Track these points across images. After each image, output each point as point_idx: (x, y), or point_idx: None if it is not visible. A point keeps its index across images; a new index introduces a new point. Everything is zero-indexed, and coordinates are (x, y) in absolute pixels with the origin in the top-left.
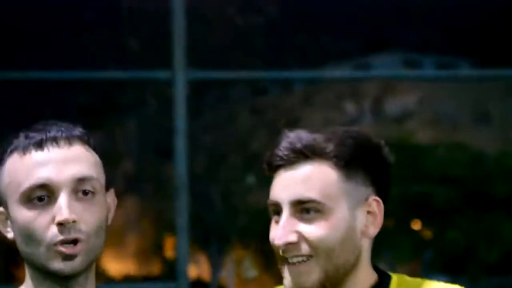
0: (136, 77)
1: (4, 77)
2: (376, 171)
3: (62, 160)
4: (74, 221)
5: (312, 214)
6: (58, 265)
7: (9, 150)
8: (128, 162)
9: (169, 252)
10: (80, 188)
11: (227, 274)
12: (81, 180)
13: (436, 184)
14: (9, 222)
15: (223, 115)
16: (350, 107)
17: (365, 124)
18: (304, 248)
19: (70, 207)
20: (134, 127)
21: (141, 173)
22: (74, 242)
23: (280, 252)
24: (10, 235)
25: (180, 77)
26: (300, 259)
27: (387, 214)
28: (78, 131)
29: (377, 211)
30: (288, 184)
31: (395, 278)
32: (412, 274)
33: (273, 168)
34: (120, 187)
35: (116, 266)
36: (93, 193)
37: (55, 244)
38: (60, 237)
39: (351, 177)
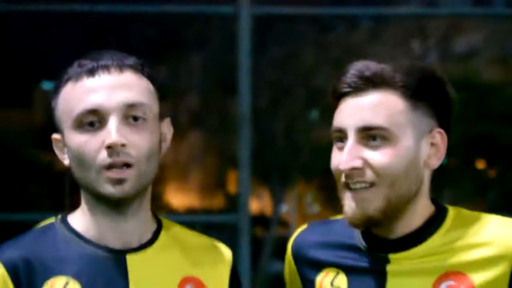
0: (201, 11)
1: (70, 10)
2: (440, 104)
3: (112, 86)
4: (123, 145)
5: (378, 141)
6: (108, 189)
7: (64, 79)
8: (192, 97)
9: (231, 186)
10: (130, 114)
11: (289, 209)
12: (131, 105)
13: (502, 123)
14: (65, 149)
15: (288, 51)
16: (416, 44)
17: (431, 62)
18: (369, 175)
19: (119, 131)
20: (198, 62)
21: (204, 108)
22: (124, 166)
23: (343, 178)
24: (66, 162)
25: (245, 12)
26: (363, 185)
27: (450, 153)
28: (131, 60)
29: (440, 143)
30: (355, 111)
31: (451, 211)
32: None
33: (340, 95)
34: (184, 122)
35: (179, 199)
36: (144, 119)
37: (105, 168)
38: (109, 160)
39: (417, 107)
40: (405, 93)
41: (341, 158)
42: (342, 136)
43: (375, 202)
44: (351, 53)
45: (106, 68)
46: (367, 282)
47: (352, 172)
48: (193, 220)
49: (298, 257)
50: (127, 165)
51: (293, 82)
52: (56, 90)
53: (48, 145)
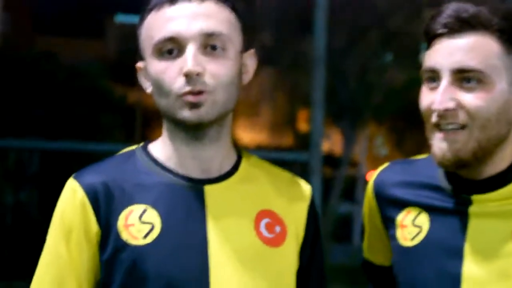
0: None
1: None
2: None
3: (192, 15)
4: (199, 73)
5: (472, 83)
6: (185, 113)
7: (148, 8)
8: (266, 33)
9: (302, 125)
10: (209, 43)
11: (359, 150)
12: (209, 35)
13: None
14: (148, 77)
15: None
16: None
17: None
18: (461, 117)
19: (196, 59)
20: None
21: (278, 46)
22: (200, 92)
23: (434, 118)
24: (149, 90)
25: None
26: (455, 126)
27: None
28: None
29: None
30: (450, 52)
31: None
32: None
33: (433, 36)
34: (257, 58)
35: (249, 135)
36: (222, 48)
37: (182, 95)
38: (186, 88)
39: None
40: (501, 37)
41: (434, 98)
42: (434, 76)
43: (465, 144)
44: None
45: None
46: (449, 222)
47: (446, 113)
48: (264, 157)
49: (380, 195)
50: (203, 92)
51: (369, 23)
52: (141, 20)
53: (121, 77)
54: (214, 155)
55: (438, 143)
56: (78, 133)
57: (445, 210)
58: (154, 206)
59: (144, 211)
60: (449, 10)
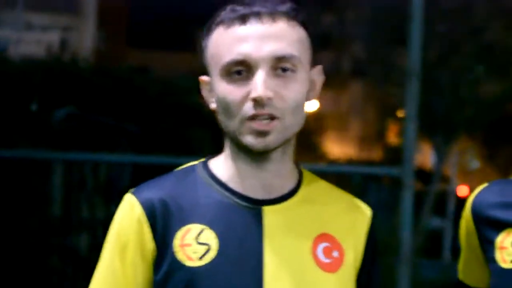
0: None
1: None
2: None
3: (262, 37)
4: (269, 98)
5: None
6: (250, 140)
7: (216, 22)
8: (359, 45)
9: (391, 138)
10: (279, 66)
11: (450, 164)
12: (280, 58)
13: None
14: (213, 93)
15: (460, 2)
16: None
17: None
18: None
19: (266, 84)
20: (368, 10)
21: (371, 58)
22: (269, 118)
23: None
24: (213, 105)
25: None
26: None
27: None
28: (285, 6)
29: None
30: None
31: None
32: None
33: None
34: (347, 70)
35: (339, 148)
36: (292, 70)
37: (248, 119)
38: (253, 112)
39: None
40: None
41: None
42: None
43: None
44: None
45: (258, 15)
46: None
47: None
48: (356, 171)
49: (478, 216)
50: (272, 118)
51: (463, 36)
52: (207, 32)
53: None
54: (275, 177)
55: None
56: (168, 148)
57: None
58: (212, 226)
59: (201, 231)
60: None
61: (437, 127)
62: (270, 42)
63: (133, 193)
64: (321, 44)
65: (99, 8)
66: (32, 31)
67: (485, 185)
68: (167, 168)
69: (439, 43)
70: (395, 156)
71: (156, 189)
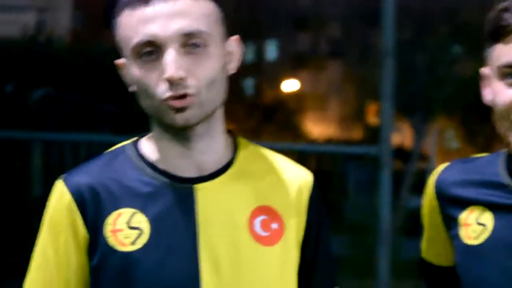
0: None
1: None
2: None
3: (168, 15)
4: (181, 78)
5: None
6: (171, 117)
7: (122, 3)
8: (334, 26)
9: (370, 118)
10: (189, 42)
11: (429, 143)
12: (188, 34)
13: None
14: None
15: None
16: None
17: None
18: None
19: (177, 63)
20: None
21: (346, 39)
22: (184, 96)
23: None
24: (132, 88)
25: None
26: None
27: None
28: None
29: None
30: None
31: None
32: None
33: (508, 30)
34: (324, 51)
35: (318, 129)
36: (204, 45)
37: (165, 99)
38: (169, 93)
39: None
40: None
41: None
42: None
43: None
44: None
45: None
46: None
47: None
48: (334, 151)
49: (441, 194)
50: (186, 95)
51: (438, 15)
52: (115, 16)
53: None
54: (204, 152)
55: None
56: (147, 127)
57: (509, 207)
58: (143, 210)
59: (132, 215)
60: None
61: (414, 106)
62: (176, 19)
63: (63, 180)
64: (298, 26)
65: None
66: (8, 12)
67: (446, 164)
68: None
69: (414, 23)
70: (374, 136)
71: (86, 174)
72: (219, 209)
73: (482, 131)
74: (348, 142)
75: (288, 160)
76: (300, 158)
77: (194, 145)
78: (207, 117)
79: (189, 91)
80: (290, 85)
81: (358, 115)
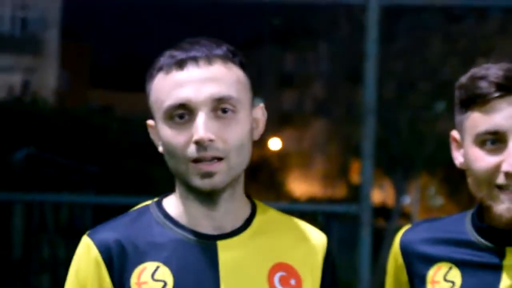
0: (330, 1)
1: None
2: None
3: (201, 80)
4: (211, 140)
5: None
6: (197, 182)
7: (156, 68)
8: (318, 85)
9: (354, 176)
10: (219, 107)
11: (411, 201)
12: (219, 99)
13: None
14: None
15: (415, 42)
16: None
17: None
18: None
19: (207, 126)
20: (325, 51)
21: (330, 97)
22: (213, 159)
23: (501, 179)
24: (160, 148)
25: (374, 2)
26: None
27: None
28: (221, 49)
29: None
30: None
31: None
32: None
33: (487, 99)
34: (309, 109)
35: (301, 187)
36: (233, 111)
37: (193, 161)
38: (196, 155)
39: None
40: None
41: (502, 160)
42: (497, 138)
43: None
44: (479, 45)
45: (195, 60)
46: (481, 276)
47: None
48: (315, 209)
49: (407, 252)
50: (217, 159)
51: (419, 73)
52: (149, 78)
53: None
54: (227, 213)
55: (507, 204)
56: (130, 187)
57: (477, 264)
58: (167, 263)
59: (157, 269)
60: (499, 70)
61: (396, 164)
62: (208, 85)
63: (89, 235)
64: (283, 84)
65: (62, 48)
66: None
67: (410, 225)
68: (129, 208)
69: (396, 81)
70: (357, 194)
71: (112, 231)
72: (240, 265)
73: (465, 188)
74: (331, 200)
75: (303, 222)
76: None
77: (218, 208)
78: (233, 181)
79: (218, 154)
80: (274, 144)
81: (341, 173)
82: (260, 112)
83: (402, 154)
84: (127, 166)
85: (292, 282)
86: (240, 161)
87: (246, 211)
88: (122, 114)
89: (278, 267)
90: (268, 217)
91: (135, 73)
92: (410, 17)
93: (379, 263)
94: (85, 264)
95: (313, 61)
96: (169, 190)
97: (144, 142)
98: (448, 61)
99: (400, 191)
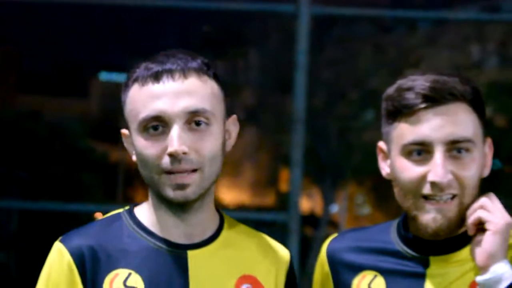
0: (261, 9)
1: (128, 4)
2: (484, 114)
3: (176, 93)
4: (184, 153)
5: (463, 153)
6: (170, 193)
7: (131, 79)
8: (248, 93)
9: (283, 185)
10: (193, 120)
11: (339, 209)
12: (193, 112)
13: None
14: (133, 146)
15: (345, 52)
16: (474, 49)
17: (489, 68)
18: (454, 187)
19: (181, 138)
20: (256, 59)
21: (260, 105)
22: (186, 171)
23: (426, 190)
24: (134, 158)
25: (304, 12)
26: (449, 197)
27: (506, 161)
28: (196, 62)
29: (489, 151)
30: (441, 125)
31: None
32: None
33: (414, 110)
34: (239, 118)
35: (230, 195)
36: (206, 124)
37: (166, 173)
38: (170, 167)
39: (479, 119)
40: (473, 106)
41: (429, 170)
42: (423, 149)
43: (456, 213)
44: (408, 55)
45: (171, 73)
46: (405, 285)
47: (444, 185)
48: (244, 217)
49: (334, 261)
50: (190, 170)
51: (348, 83)
52: (125, 89)
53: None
54: (198, 223)
55: (433, 214)
56: (58, 193)
57: (402, 273)
58: (138, 271)
59: (129, 276)
60: (426, 82)
61: (324, 173)
62: (183, 98)
63: (62, 241)
64: None
65: None
66: None
67: (336, 234)
68: (56, 214)
69: (325, 90)
70: (285, 202)
71: (84, 237)
72: (209, 275)
73: (393, 197)
74: (259, 208)
75: (267, 237)
76: None
77: (188, 217)
78: (204, 192)
79: (192, 166)
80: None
81: (270, 181)
82: (232, 123)
83: (330, 163)
84: (55, 171)
85: None
86: (212, 172)
87: (215, 222)
88: (50, 119)
89: (245, 279)
90: (235, 229)
91: (63, 78)
92: (341, 27)
93: (307, 271)
94: (58, 270)
95: (244, 69)
96: (97, 197)
97: (73, 148)
98: (377, 72)
99: (328, 200)
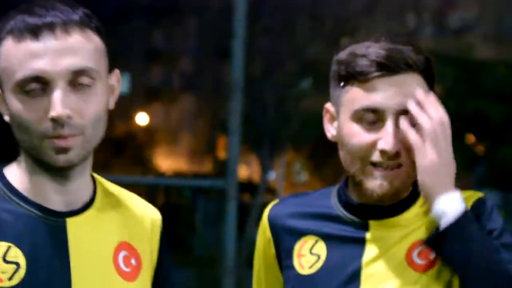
0: None
1: None
2: (434, 84)
3: (57, 51)
4: (68, 117)
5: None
6: (51, 157)
7: (4, 31)
8: (186, 61)
9: (221, 152)
10: (77, 80)
11: (277, 177)
12: (77, 72)
13: (493, 101)
14: (6, 106)
15: (282, 21)
16: (410, 18)
17: (425, 36)
18: (403, 156)
19: (64, 102)
20: (193, 27)
21: (198, 73)
22: (69, 135)
23: (376, 157)
24: (7, 118)
25: None
26: (396, 165)
27: None
28: (77, 15)
29: None
30: (394, 94)
31: None
32: (463, 188)
33: (368, 78)
34: (176, 85)
35: (168, 162)
36: (90, 84)
37: (48, 138)
38: (53, 132)
39: (430, 89)
40: (425, 76)
41: (379, 138)
42: (375, 117)
43: (404, 179)
44: (345, 24)
45: (51, 28)
46: (346, 249)
47: (393, 154)
48: (182, 184)
49: (275, 226)
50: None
51: (286, 52)
52: None
53: None
54: (77, 188)
55: (380, 181)
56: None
57: (342, 238)
58: (17, 243)
59: (8, 249)
60: (383, 50)
61: (262, 141)
62: (65, 56)
63: None
64: (150, 59)
65: None
66: None
67: (278, 200)
68: None
69: (263, 59)
70: (223, 169)
71: None
72: (89, 244)
73: (330, 164)
74: (197, 176)
75: (137, 197)
76: (149, 191)
77: (70, 183)
78: (87, 155)
79: (76, 131)
80: (141, 119)
81: (208, 149)
82: (115, 79)
83: (268, 130)
84: None
85: (133, 262)
86: (96, 134)
87: (90, 186)
88: None
89: (122, 246)
90: (109, 192)
91: None
92: None
93: (244, 237)
94: None
95: (181, 37)
96: None
97: None
98: (313, 40)
99: (266, 167)
